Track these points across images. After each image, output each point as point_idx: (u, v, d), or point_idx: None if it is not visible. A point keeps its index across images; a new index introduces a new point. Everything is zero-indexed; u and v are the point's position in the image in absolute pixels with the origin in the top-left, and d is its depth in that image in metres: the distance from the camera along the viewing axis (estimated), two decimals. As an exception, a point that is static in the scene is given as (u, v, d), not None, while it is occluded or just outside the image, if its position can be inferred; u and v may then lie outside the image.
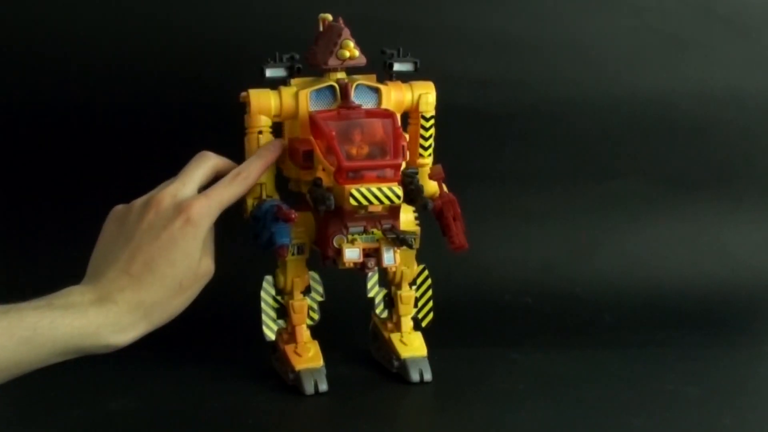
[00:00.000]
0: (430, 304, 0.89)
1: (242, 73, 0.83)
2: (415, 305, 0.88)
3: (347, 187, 0.74)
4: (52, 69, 1.06)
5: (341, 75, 0.82)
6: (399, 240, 0.77)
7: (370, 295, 0.89)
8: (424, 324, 0.89)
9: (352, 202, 0.74)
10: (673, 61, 1.11)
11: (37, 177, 1.08)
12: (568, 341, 0.96)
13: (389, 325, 0.89)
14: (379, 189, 0.74)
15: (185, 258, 0.72)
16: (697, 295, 1.07)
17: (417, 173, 0.80)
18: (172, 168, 1.07)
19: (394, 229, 0.78)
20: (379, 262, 0.79)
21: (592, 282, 1.09)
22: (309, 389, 0.81)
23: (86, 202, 1.08)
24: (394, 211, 0.78)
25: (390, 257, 0.79)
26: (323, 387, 0.82)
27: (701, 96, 1.12)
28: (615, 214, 1.13)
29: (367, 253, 0.78)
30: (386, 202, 0.75)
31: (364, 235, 0.78)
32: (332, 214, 0.77)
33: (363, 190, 0.74)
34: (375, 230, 0.78)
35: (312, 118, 0.79)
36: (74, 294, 0.70)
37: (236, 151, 0.84)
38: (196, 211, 0.74)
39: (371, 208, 0.76)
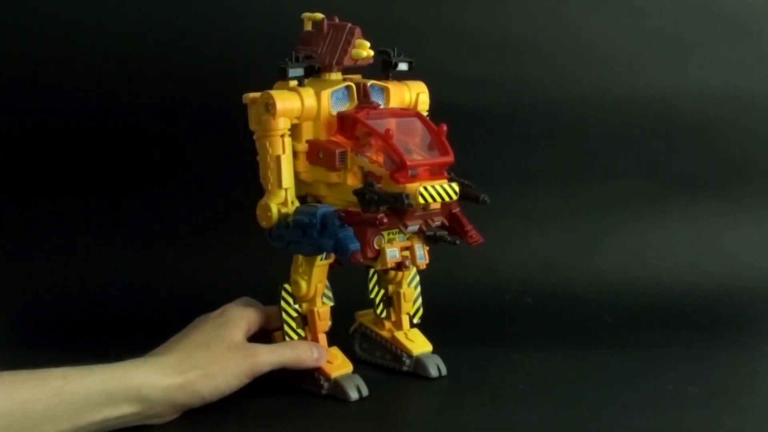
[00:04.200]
0: (420, 300, 0.89)
1: (241, 73, 0.83)
2: None
3: (412, 185, 0.74)
4: (51, 70, 1.06)
5: (336, 76, 0.82)
6: (435, 238, 0.78)
7: (372, 296, 0.88)
8: (416, 320, 0.89)
9: (420, 200, 0.74)
10: (673, 61, 1.11)
11: (38, 177, 1.08)
12: (568, 341, 0.96)
13: (387, 324, 0.88)
14: (441, 186, 0.75)
15: (215, 329, 0.78)
16: (697, 295, 1.07)
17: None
18: (171, 167, 1.08)
19: (442, 226, 0.79)
20: (413, 260, 0.79)
21: (592, 282, 1.09)
22: (353, 395, 0.80)
23: (85, 203, 1.08)
24: (446, 208, 0.79)
25: (422, 255, 0.80)
26: (365, 391, 0.80)
27: (701, 96, 1.12)
28: (615, 214, 1.13)
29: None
30: (446, 198, 0.75)
31: (399, 235, 0.78)
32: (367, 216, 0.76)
33: (429, 188, 0.74)
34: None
35: (351, 118, 0.78)
36: None
37: (235, 152, 0.84)
38: (232, 307, 0.82)
39: (433, 206, 0.76)
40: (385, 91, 0.83)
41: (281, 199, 0.79)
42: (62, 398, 0.67)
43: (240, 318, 0.80)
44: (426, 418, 0.81)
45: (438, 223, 0.79)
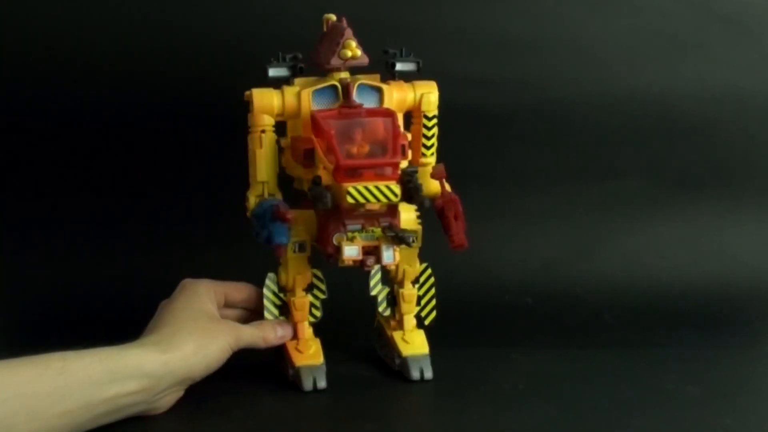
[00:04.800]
0: (433, 302, 0.89)
1: (245, 72, 0.84)
2: (418, 303, 0.88)
3: (344, 184, 0.74)
4: (50, 70, 1.06)
5: (345, 75, 0.82)
6: (397, 238, 0.78)
7: (373, 293, 0.89)
8: (427, 322, 0.89)
9: (349, 199, 0.74)
10: (673, 61, 1.11)
11: (37, 177, 1.08)
12: (568, 341, 0.96)
13: (392, 323, 0.89)
14: (376, 187, 0.75)
15: (189, 305, 0.80)
16: (697, 295, 1.07)
17: (416, 171, 0.79)
18: (171, 166, 1.08)
19: (393, 227, 0.78)
20: (378, 260, 0.79)
21: (592, 282, 1.09)
22: (307, 385, 0.81)
23: (85, 202, 1.08)
24: (392, 210, 0.79)
25: (390, 255, 0.79)
26: (322, 384, 0.82)
27: (701, 96, 1.11)
28: (615, 214, 1.13)
29: (367, 251, 0.79)
30: (383, 200, 0.75)
31: (363, 233, 0.79)
32: (332, 212, 0.78)
33: (360, 188, 0.74)
34: (375, 228, 0.79)
35: (313, 117, 0.79)
36: None
37: (236, 151, 0.85)
38: (190, 281, 0.84)
39: (368, 206, 0.76)
40: (378, 91, 0.83)
41: (259, 192, 0.83)
42: (66, 378, 0.69)
43: (206, 289, 0.83)
44: (425, 418, 0.81)
45: (386, 223, 0.79)
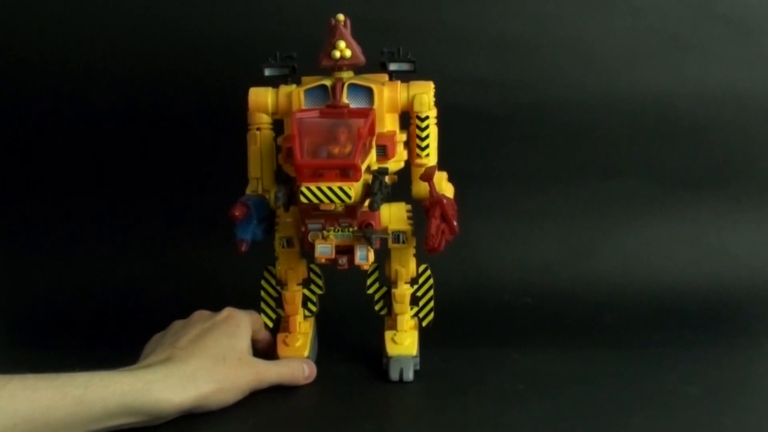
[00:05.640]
0: (431, 303, 0.89)
1: (246, 72, 0.84)
2: (417, 304, 0.88)
3: (301, 184, 0.74)
4: (50, 70, 1.06)
5: (347, 74, 0.82)
6: (364, 238, 0.79)
7: (369, 291, 0.89)
8: (424, 324, 0.89)
9: (303, 199, 0.74)
10: (673, 61, 1.11)
11: (38, 178, 1.08)
12: (568, 341, 0.96)
13: (389, 322, 0.89)
14: (329, 188, 0.74)
15: (228, 338, 0.80)
16: (697, 295, 1.07)
17: (386, 172, 0.79)
18: (174, 167, 1.08)
19: (367, 226, 0.79)
20: (353, 259, 0.80)
21: (592, 282, 1.09)
22: None
23: (85, 203, 1.08)
24: (351, 210, 0.78)
25: (363, 255, 0.80)
26: None
27: (701, 96, 1.11)
28: (615, 214, 1.13)
29: (342, 250, 0.80)
30: (336, 201, 0.75)
31: (339, 232, 0.79)
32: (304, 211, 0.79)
33: (313, 188, 0.74)
34: (351, 228, 0.79)
35: (292, 117, 0.79)
36: (123, 368, 0.75)
37: (237, 150, 0.85)
38: (237, 313, 0.84)
39: (323, 207, 0.76)
40: (369, 91, 0.82)
41: (254, 188, 0.85)
42: (82, 407, 0.69)
43: (246, 325, 0.83)
44: (425, 418, 0.81)
45: (345, 224, 0.79)
